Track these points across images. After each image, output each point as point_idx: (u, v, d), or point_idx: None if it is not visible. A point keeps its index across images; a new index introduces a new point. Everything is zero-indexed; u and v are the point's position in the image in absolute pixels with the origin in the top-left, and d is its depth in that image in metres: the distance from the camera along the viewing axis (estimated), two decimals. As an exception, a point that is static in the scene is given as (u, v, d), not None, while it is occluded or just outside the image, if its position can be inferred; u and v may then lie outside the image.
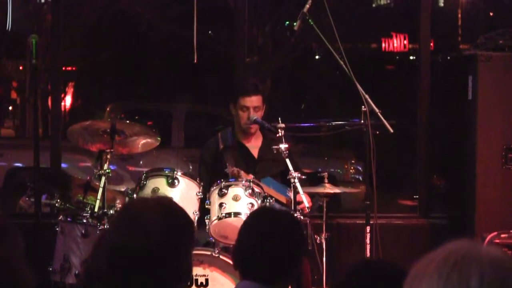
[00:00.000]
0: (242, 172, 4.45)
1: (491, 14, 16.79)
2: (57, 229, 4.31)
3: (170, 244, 1.94)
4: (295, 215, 4.08)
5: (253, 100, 4.68)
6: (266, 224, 2.76)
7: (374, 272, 2.04)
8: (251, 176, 4.44)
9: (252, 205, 4.18)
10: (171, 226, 1.96)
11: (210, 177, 4.60)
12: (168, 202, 2.10)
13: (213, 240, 4.28)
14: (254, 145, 4.83)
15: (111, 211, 4.26)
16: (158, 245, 1.92)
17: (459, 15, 18.61)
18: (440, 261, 1.30)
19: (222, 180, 4.29)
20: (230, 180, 4.31)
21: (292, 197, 4.26)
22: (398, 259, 5.09)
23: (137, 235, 1.93)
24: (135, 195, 4.28)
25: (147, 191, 4.26)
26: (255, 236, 2.71)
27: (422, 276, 1.31)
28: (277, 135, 4.39)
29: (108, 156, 4.39)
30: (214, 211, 4.23)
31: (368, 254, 4.59)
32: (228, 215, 4.18)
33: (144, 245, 1.91)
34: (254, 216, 2.95)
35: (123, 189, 4.58)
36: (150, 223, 1.95)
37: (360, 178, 9.48)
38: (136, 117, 9.71)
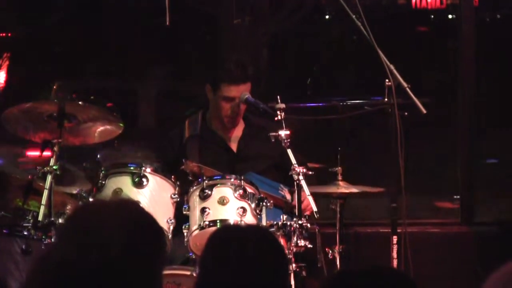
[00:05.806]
0: (205, 168, 4.40)
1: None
2: (-11, 244, 4.31)
3: (135, 260, 1.95)
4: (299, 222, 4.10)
5: (241, 90, 4.70)
6: (238, 252, 2.49)
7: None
8: (194, 165, 4.40)
9: (244, 210, 4.19)
10: (135, 237, 1.97)
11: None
12: (132, 206, 2.11)
13: (194, 256, 4.28)
14: (232, 136, 4.84)
15: (60, 220, 4.26)
16: (119, 260, 1.93)
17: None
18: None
19: (205, 178, 4.28)
20: (215, 177, 4.31)
21: (286, 197, 4.27)
22: (435, 277, 5.12)
23: (93, 248, 1.94)
24: (90, 199, 4.29)
25: (107, 193, 4.28)
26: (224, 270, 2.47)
27: None
28: (276, 118, 4.39)
29: (56, 149, 4.40)
30: (195, 219, 4.24)
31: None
32: (213, 223, 4.19)
33: (102, 261, 1.92)
34: (218, 242, 2.59)
35: (75, 191, 4.58)
36: (109, 233, 1.96)
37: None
38: (92, 98, 9.69)
